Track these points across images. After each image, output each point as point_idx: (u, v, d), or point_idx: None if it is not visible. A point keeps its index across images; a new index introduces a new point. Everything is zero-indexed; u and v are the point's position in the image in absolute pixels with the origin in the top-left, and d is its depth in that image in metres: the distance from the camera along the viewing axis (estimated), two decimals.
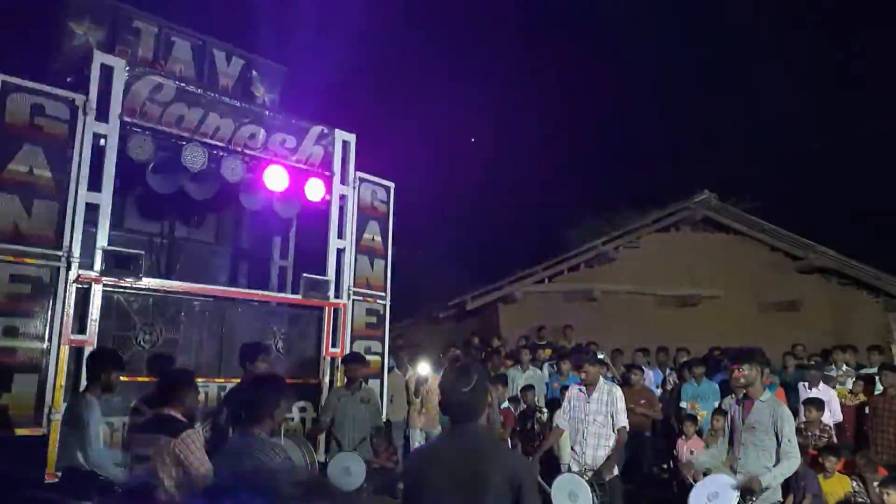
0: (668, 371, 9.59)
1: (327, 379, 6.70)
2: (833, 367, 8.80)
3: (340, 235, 7.02)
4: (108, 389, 4.58)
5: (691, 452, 6.87)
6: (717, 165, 20.32)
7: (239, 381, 5.47)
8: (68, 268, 5.10)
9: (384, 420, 6.92)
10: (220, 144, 6.15)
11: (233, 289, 6.75)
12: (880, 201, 19.76)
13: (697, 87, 26.08)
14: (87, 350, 5.03)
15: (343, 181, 7.05)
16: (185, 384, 3.85)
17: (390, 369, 7.74)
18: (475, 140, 23.64)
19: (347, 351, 6.70)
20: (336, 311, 6.85)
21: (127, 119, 5.56)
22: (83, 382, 4.79)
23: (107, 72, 5.46)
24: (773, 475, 4.23)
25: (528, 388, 8.23)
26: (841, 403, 7.82)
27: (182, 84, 5.98)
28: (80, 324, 5.16)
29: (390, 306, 7.45)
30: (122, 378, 4.73)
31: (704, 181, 14.12)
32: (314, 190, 6.73)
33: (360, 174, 7.24)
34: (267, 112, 6.71)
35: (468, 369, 2.56)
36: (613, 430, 5.28)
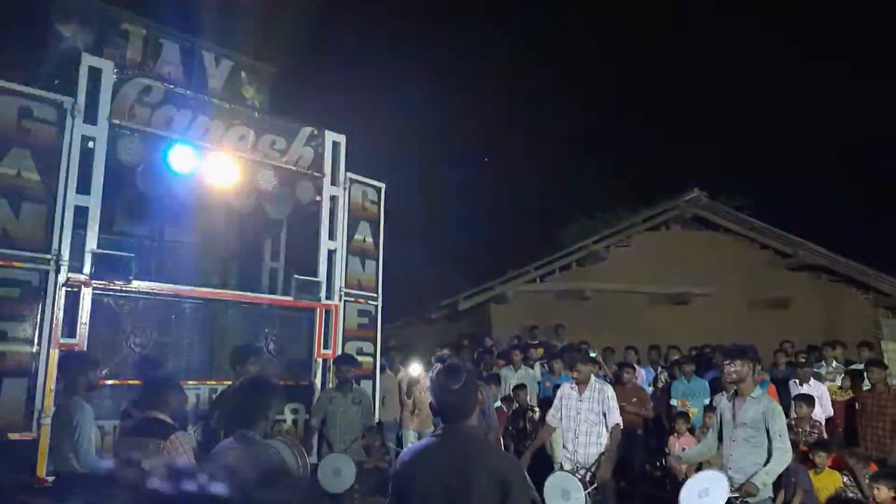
0: (659, 369, 9.63)
1: (319, 380, 6.68)
2: (823, 363, 8.87)
3: (331, 236, 7.01)
4: (92, 388, 4.57)
5: (683, 450, 6.90)
6: (707, 164, 20.45)
7: (230, 383, 5.47)
8: (57, 271, 5.07)
9: (376, 421, 6.92)
10: (210, 146, 6.14)
11: (224, 291, 6.72)
12: (869, 198, 19.93)
13: (688, 85, 26.20)
14: None
15: (334, 182, 7.05)
16: (170, 387, 3.84)
17: (382, 370, 7.73)
18: (468, 139, 23.65)
19: (339, 352, 6.70)
20: (328, 312, 6.84)
21: (115, 121, 5.53)
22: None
23: (95, 74, 5.43)
24: (767, 472, 4.24)
25: (521, 387, 8.25)
26: (832, 399, 7.88)
27: (171, 86, 5.97)
28: (70, 327, 5.12)
29: (382, 307, 7.46)
30: (100, 374, 4.74)
31: (694, 179, 14.19)
32: (305, 191, 6.72)
33: (351, 175, 7.23)
34: (256, 113, 6.70)
35: (457, 368, 2.53)
36: (606, 428, 5.30)
